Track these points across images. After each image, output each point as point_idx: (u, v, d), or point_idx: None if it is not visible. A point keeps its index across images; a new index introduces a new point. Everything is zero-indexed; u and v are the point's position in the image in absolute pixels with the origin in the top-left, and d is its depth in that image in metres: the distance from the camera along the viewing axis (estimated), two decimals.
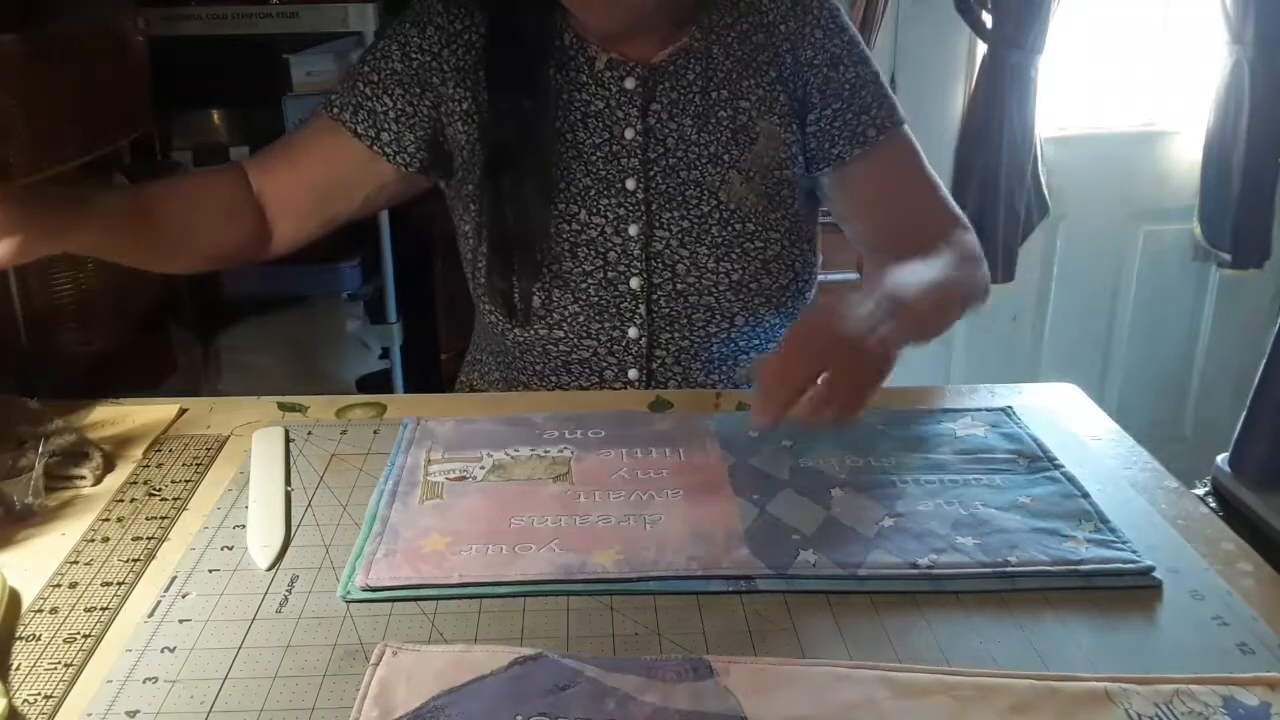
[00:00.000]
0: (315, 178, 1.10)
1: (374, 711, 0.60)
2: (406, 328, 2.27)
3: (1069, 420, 0.97)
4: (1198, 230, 2.40)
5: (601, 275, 1.05)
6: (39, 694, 0.62)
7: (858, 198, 1.11)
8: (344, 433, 0.94)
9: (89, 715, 0.61)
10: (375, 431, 0.94)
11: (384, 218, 2.08)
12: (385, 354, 2.26)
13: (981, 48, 2.22)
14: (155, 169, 2.05)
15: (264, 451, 0.89)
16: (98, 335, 1.61)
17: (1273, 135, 2.23)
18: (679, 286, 1.06)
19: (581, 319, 1.06)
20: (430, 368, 2.30)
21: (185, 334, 2.08)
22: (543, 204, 1.04)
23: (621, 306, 1.06)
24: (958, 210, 1.10)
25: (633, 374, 1.07)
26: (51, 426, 0.90)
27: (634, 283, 1.05)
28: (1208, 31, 2.26)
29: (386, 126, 1.07)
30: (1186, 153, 2.38)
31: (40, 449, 0.83)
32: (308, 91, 2.14)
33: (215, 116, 2.16)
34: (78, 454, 0.87)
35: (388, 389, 2.25)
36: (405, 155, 1.08)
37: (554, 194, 1.05)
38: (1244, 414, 1.48)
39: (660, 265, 1.05)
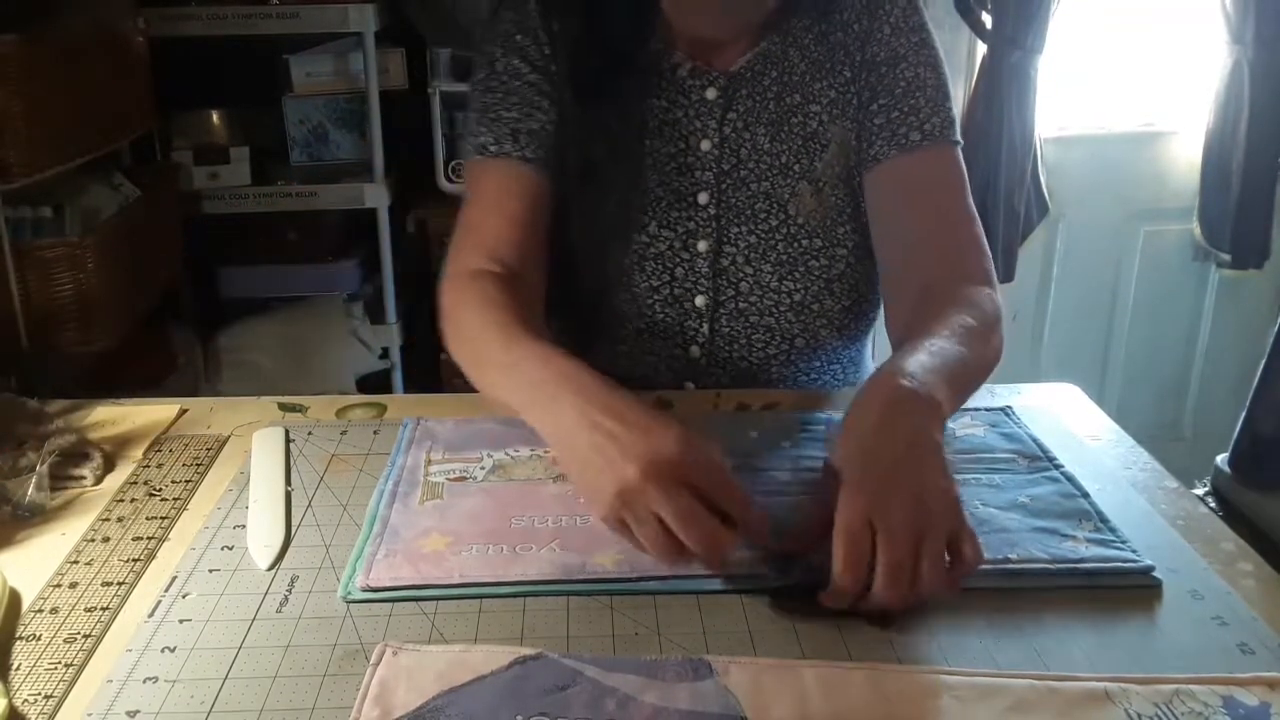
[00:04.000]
0: (527, 223, 1.00)
1: (374, 711, 0.60)
2: (406, 328, 2.27)
3: (1069, 420, 0.97)
4: (1197, 230, 2.40)
5: (668, 291, 1.02)
6: (39, 694, 0.62)
7: (884, 204, 1.02)
8: (344, 433, 0.94)
9: (89, 715, 0.61)
10: (375, 432, 0.94)
11: (383, 218, 2.08)
12: (385, 354, 2.26)
13: (981, 48, 2.22)
14: (155, 169, 2.05)
15: (264, 451, 0.89)
16: (98, 335, 1.62)
17: (1273, 135, 2.23)
18: (741, 305, 1.03)
19: (645, 337, 1.03)
20: (430, 368, 2.29)
21: (185, 334, 2.08)
22: (620, 216, 1.00)
23: (685, 325, 1.03)
24: (986, 253, 0.99)
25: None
26: (52, 426, 0.90)
27: (699, 300, 1.02)
28: (1208, 31, 2.26)
29: (544, 141, 1.00)
30: (1186, 153, 2.38)
31: (42, 449, 0.83)
32: (308, 92, 2.14)
33: (215, 116, 2.16)
34: (78, 454, 0.87)
35: (388, 389, 2.26)
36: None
37: (631, 207, 1.00)
38: (1244, 414, 1.48)
39: (725, 283, 1.02)
